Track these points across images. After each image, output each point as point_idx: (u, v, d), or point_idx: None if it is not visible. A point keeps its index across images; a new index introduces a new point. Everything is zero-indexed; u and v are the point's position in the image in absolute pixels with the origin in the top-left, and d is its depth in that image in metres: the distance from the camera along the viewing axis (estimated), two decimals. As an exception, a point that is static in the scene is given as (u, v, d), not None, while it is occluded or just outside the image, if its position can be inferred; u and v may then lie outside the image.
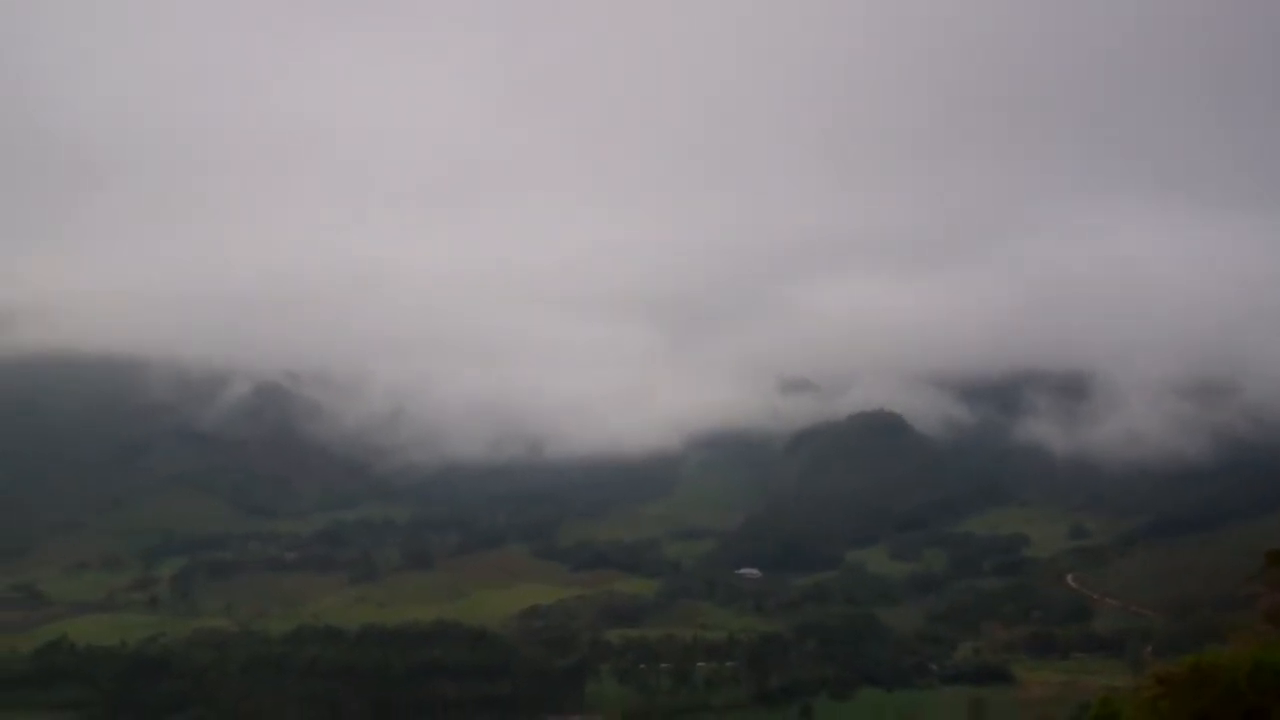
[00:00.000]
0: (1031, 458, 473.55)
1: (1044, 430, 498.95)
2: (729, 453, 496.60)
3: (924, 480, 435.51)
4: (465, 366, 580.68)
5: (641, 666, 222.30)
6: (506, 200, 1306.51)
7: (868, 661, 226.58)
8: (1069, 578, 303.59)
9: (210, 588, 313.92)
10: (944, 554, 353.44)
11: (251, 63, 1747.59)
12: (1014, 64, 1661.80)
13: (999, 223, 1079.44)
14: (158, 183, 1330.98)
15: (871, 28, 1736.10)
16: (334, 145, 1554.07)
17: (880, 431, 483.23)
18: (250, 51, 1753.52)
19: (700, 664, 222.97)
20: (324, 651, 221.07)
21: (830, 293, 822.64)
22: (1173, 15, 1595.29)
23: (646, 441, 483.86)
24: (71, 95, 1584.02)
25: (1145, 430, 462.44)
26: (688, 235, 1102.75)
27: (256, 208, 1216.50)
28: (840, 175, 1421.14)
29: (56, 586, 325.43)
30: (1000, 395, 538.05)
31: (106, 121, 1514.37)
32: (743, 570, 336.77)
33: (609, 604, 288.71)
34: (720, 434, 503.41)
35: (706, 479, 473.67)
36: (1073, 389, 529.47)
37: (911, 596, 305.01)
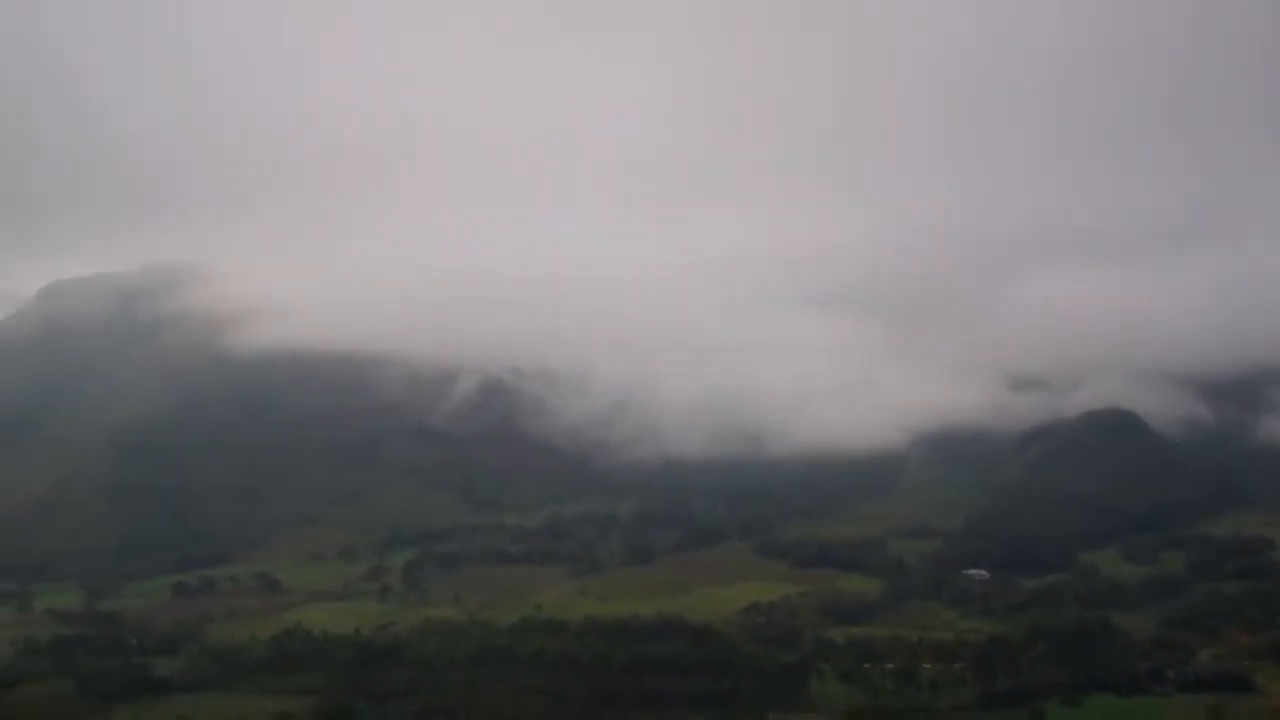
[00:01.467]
0: (1274, 458, 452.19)
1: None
2: (955, 450, 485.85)
3: (1160, 481, 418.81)
4: (687, 362, 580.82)
5: (865, 666, 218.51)
6: (724, 197, 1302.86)
7: (1100, 666, 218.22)
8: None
9: (439, 578, 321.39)
10: (1182, 557, 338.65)
11: (470, 63, 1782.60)
12: (1252, 47, 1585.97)
13: (1238, 211, 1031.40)
14: (387, 182, 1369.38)
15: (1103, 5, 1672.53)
16: (554, 144, 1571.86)
17: (1114, 430, 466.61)
18: (470, 53, 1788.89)
19: (925, 665, 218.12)
20: (548, 643, 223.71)
21: (1061, 285, 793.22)
22: None
23: (869, 438, 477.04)
24: (301, 98, 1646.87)
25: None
26: (911, 227, 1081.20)
27: (482, 206, 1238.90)
28: (1070, 162, 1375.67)
29: (294, 575, 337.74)
30: (1241, 392, 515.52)
31: (339, 123, 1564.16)
32: (970, 571, 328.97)
33: (832, 602, 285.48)
34: (946, 431, 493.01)
35: (932, 477, 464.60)
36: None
37: (1147, 600, 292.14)
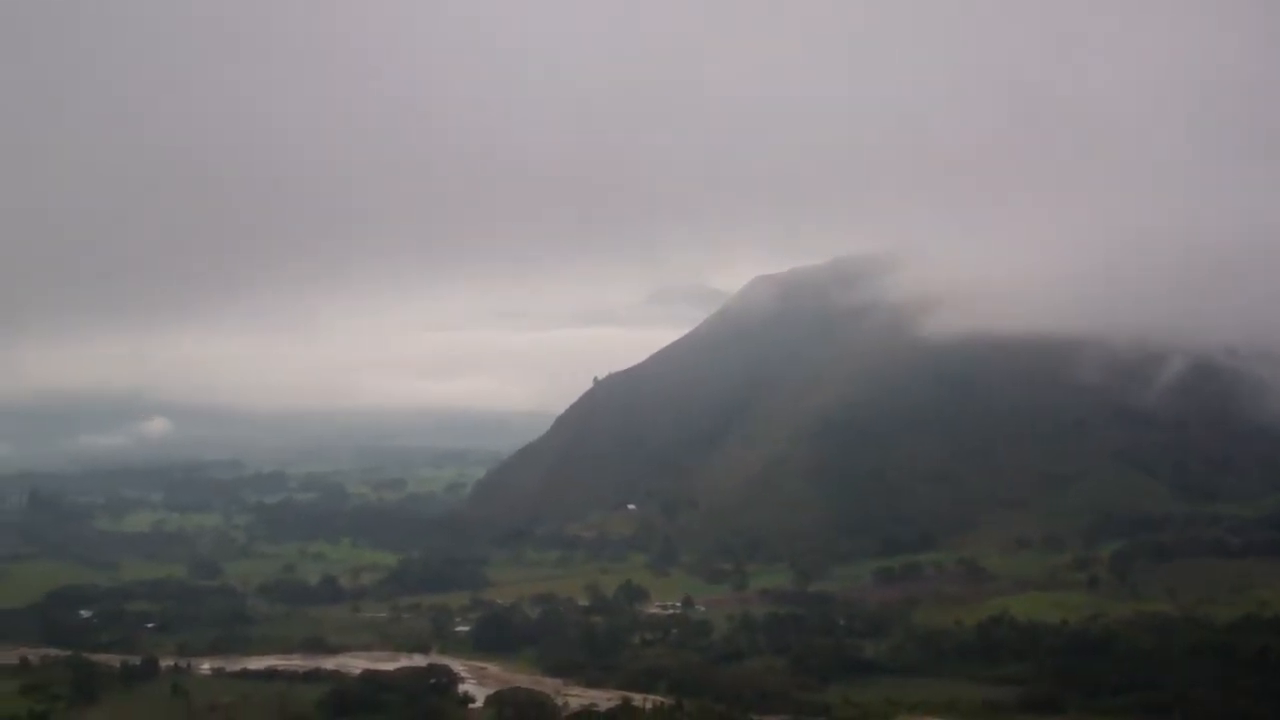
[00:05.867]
0: None
1: None
2: None
3: None
4: None
5: None
6: None
7: None
8: None
9: (1149, 570, 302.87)
10: None
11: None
12: None
13: None
14: (1085, 155, 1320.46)
15: None
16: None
17: None
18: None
19: None
20: (1274, 642, 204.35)
21: None
22: None
23: None
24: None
25: None
26: None
27: (1174, 174, 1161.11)
28: None
29: (997, 562, 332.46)
30: None
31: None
32: None
33: None
34: None
35: None
36: None
37: None
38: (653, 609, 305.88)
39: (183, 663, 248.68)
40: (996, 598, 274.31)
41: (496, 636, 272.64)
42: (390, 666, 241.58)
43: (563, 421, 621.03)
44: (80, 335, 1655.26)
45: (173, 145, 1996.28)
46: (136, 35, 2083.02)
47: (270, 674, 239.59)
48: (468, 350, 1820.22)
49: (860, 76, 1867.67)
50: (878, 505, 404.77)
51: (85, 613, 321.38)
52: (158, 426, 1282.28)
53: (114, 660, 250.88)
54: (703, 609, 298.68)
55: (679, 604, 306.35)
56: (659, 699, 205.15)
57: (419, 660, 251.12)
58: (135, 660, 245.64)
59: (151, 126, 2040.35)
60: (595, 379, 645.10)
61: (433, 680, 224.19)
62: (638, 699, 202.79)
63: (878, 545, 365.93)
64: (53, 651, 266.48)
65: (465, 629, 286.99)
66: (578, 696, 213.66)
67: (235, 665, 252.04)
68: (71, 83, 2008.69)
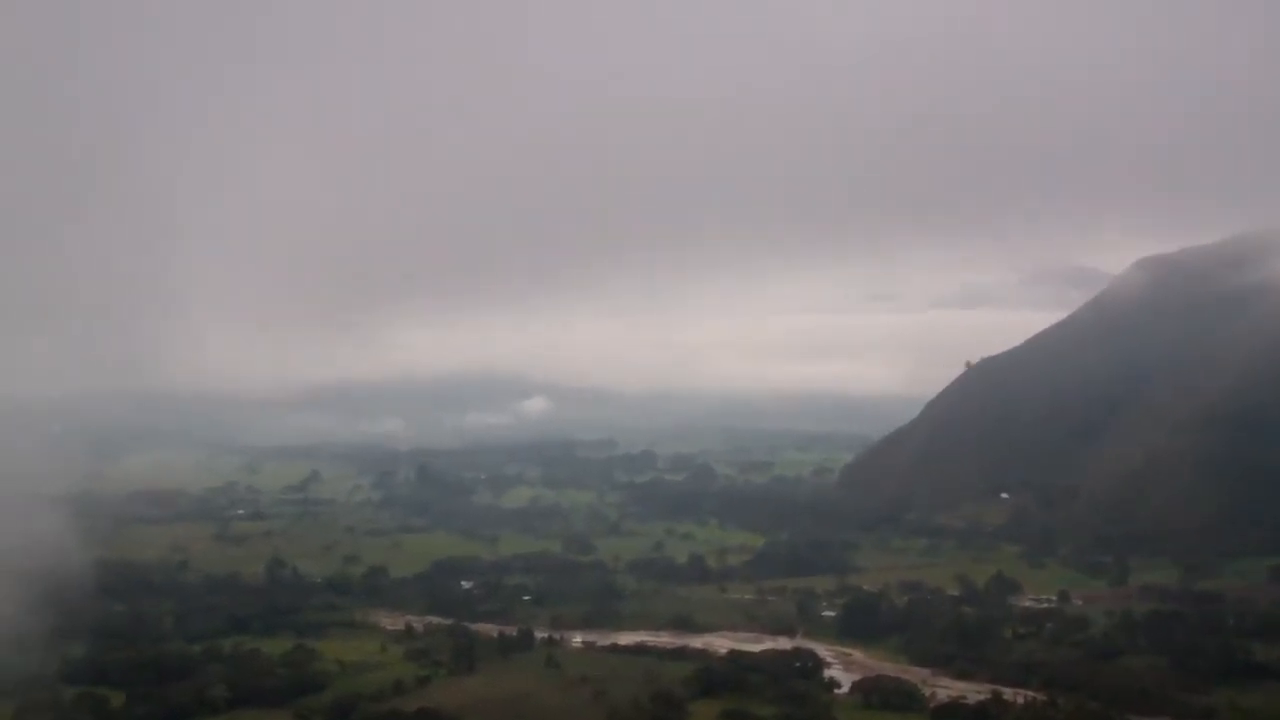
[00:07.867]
0: None
1: None
2: None
3: None
4: None
5: None
6: None
7: None
8: None
9: None
10: None
11: None
12: None
13: None
14: None
15: None
16: None
17: None
18: None
19: None
20: None
21: None
22: None
23: None
24: None
25: None
26: None
27: None
28: None
29: None
30: None
31: None
32: None
33: None
34: None
35: None
36: None
37: None
38: (1026, 602, 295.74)
39: (556, 635, 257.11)
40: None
41: (862, 623, 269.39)
42: (756, 648, 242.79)
43: (932, 406, 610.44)
44: (469, 321, 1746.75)
45: (549, 144, 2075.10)
46: (490, 32, 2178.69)
47: (639, 649, 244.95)
48: (835, 333, 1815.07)
49: (1256, 44, 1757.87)
50: (1271, 501, 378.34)
51: (466, 584, 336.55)
52: (537, 406, 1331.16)
53: (491, 630, 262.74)
54: (1080, 604, 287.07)
55: (1054, 598, 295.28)
56: (1032, 694, 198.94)
57: (784, 643, 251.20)
58: (511, 631, 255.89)
59: (524, 126, 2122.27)
60: (967, 363, 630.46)
61: (798, 664, 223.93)
62: (1009, 693, 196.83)
63: (1271, 543, 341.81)
64: (435, 619, 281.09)
65: (831, 614, 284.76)
66: (946, 688, 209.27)
67: (605, 639, 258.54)
68: (446, 85, 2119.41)
